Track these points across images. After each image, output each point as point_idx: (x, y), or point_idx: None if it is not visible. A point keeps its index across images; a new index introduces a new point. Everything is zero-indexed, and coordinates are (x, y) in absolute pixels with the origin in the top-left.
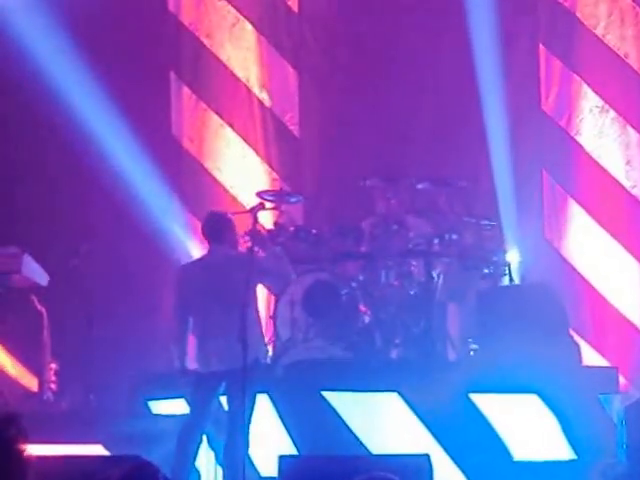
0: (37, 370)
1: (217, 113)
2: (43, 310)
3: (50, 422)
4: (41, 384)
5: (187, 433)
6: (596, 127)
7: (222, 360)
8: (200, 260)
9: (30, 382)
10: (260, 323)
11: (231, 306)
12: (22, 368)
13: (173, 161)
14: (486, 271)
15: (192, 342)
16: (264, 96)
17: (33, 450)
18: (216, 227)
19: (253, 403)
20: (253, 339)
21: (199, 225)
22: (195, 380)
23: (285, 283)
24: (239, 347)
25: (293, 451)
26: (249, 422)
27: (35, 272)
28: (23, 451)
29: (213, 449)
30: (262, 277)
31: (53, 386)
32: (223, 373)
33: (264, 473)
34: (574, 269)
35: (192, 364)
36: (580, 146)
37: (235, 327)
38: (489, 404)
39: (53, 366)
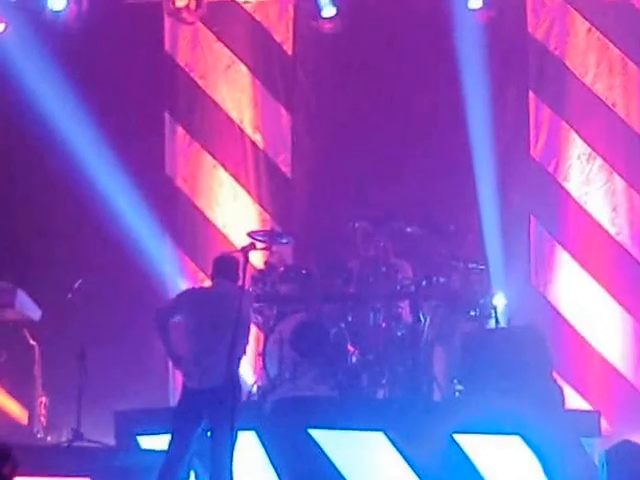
0: (28, 403)
1: (210, 153)
2: (35, 344)
3: (40, 455)
4: (31, 417)
5: (169, 467)
6: (583, 174)
7: (208, 378)
8: (206, 289)
9: (21, 415)
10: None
11: (224, 333)
12: (13, 401)
13: (166, 200)
14: (472, 314)
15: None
16: (257, 137)
17: None
18: (226, 266)
19: (235, 438)
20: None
21: (191, 263)
22: (178, 406)
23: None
24: (224, 368)
25: None
26: (232, 457)
27: (28, 307)
28: None
29: None
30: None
31: (43, 419)
32: (206, 392)
33: None
34: (559, 313)
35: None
36: (567, 192)
37: (224, 351)
38: (473, 445)
39: (44, 399)
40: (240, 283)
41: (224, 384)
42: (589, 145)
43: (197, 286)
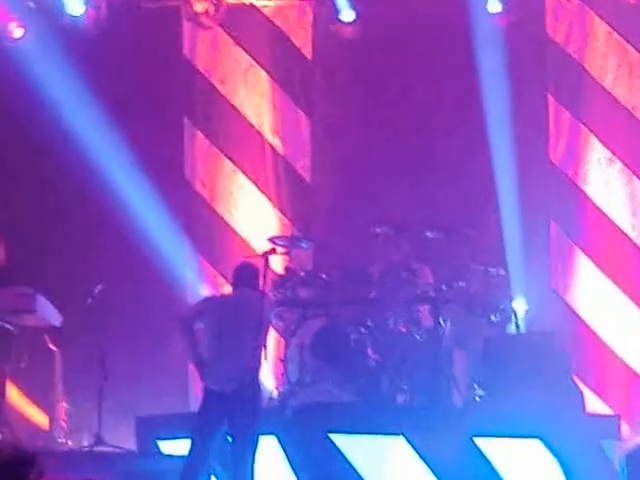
0: (48, 408)
1: (230, 158)
2: (55, 350)
3: (60, 460)
4: (52, 422)
5: (190, 472)
6: (603, 178)
7: (229, 383)
8: (227, 296)
9: (42, 420)
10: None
11: (245, 339)
12: (34, 406)
13: (185, 204)
14: (493, 318)
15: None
16: (277, 142)
17: None
18: (246, 274)
19: (256, 443)
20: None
21: (210, 267)
22: (199, 411)
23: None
24: (245, 374)
25: None
26: (253, 462)
27: (49, 312)
28: None
29: None
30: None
31: (64, 424)
32: (227, 397)
33: None
34: (579, 317)
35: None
36: (587, 196)
37: (245, 357)
38: (493, 448)
39: (64, 405)
40: (260, 289)
41: (245, 389)
42: (609, 149)
43: (219, 293)
